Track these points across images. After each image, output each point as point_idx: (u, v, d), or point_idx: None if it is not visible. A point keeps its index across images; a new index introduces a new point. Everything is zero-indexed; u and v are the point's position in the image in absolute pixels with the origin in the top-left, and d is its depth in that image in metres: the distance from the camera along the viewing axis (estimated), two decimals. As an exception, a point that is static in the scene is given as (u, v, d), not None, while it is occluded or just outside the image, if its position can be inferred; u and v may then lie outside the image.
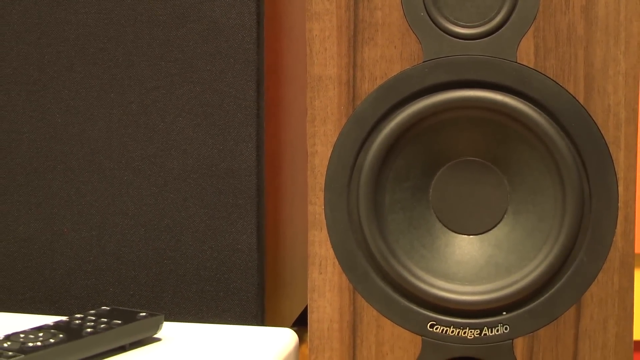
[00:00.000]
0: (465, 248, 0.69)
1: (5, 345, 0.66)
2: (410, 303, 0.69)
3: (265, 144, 0.84)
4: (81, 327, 0.71)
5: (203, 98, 0.83)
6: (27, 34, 0.85)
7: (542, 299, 0.68)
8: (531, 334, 0.68)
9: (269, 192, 0.85)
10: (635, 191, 0.67)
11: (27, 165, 0.86)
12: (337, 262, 0.69)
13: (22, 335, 0.68)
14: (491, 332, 0.68)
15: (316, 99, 0.69)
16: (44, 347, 0.66)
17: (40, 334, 0.68)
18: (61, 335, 0.68)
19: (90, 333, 0.69)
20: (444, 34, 0.67)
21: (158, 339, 0.75)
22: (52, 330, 0.69)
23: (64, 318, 0.74)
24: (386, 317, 0.69)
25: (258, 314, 0.84)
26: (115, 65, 0.84)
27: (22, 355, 0.64)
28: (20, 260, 0.87)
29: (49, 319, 0.79)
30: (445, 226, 0.70)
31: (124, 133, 0.84)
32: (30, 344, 0.66)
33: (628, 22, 0.66)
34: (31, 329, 0.70)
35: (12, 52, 0.85)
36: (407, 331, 0.69)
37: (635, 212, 0.68)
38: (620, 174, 0.67)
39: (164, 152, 0.84)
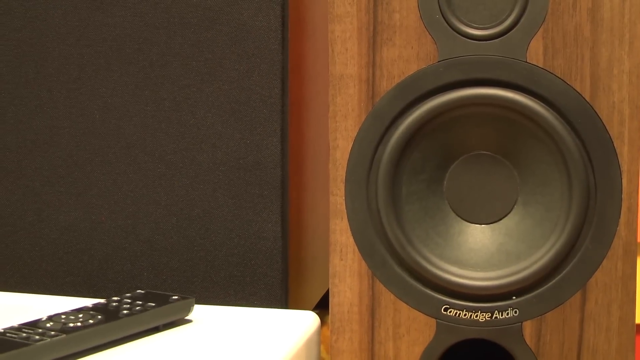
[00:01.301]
0: (478, 236, 0.69)
1: (48, 325, 0.66)
2: (426, 288, 0.68)
3: (289, 138, 0.84)
4: (118, 309, 0.71)
5: (231, 95, 0.83)
6: (68, 35, 0.85)
7: (549, 284, 0.67)
8: (539, 317, 0.68)
9: (292, 183, 0.85)
10: (638, 183, 0.67)
11: (67, 158, 0.86)
12: (357, 250, 0.69)
13: (63, 316, 0.68)
14: (501, 315, 0.68)
15: (338, 96, 0.69)
16: (84, 327, 0.66)
17: (80, 315, 0.68)
18: (99, 317, 0.68)
19: (126, 315, 0.69)
20: (458, 35, 0.67)
21: (189, 321, 0.75)
22: (91, 312, 0.70)
23: (102, 300, 0.74)
24: (403, 301, 0.69)
25: (282, 297, 0.84)
26: (150, 64, 0.84)
27: (64, 335, 0.64)
28: (61, 246, 0.87)
29: (88, 302, 0.79)
30: (459, 216, 0.70)
31: (158, 128, 0.85)
32: (71, 325, 0.66)
33: (632, 23, 0.66)
34: (72, 310, 0.70)
35: (54, 53, 0.85)
36: (423, 314, 0.69)
37: (638, 203, 0.67)
38: (624, 167, 0.67)
39: (195, 146, 0.84)
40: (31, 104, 0.86)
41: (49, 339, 0.63)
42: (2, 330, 0.65)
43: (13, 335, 0.63)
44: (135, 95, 0.85)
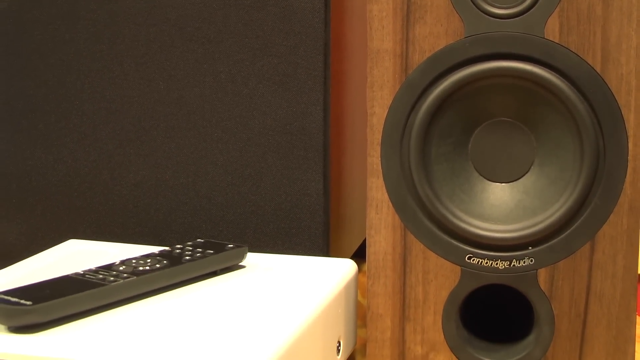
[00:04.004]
0: (498, 194, 0.68)
1: (121, 268, 0.66)
2: (452, 239, 0.68)
3: (330, 106, 0.83)
4: (181, 255, 0.71)
5: (279, 68, 0.82)
6: (137, 16, 0.85)
7: (562, 236, 0.67)
8: (552, 265, 0.67)
9: (333, 146, 0.85)
10: (642, 147, 0.66)
11: (136, 124, 0.86)
12: (391, 205, 0.69)
13: (134, 261, 0.68)
14: (519, 263, 0.67)
15: (374, 68, 0.68)
16: (152, 270, 0.66)
17: (149, 260, 0.69)
18: (165, 262, 0.69)
19: (188, 260, 0.70)
20: (483, 14, 0.66)
21: (243, 266, 0.75)
22: (158, 258, 0.70)
23: (167, 248, 0.74)
24: (431, 250, 0.68)
25: (324, 247, 0.84)
26: (208, 41, 0.84)
27: (135, 277, 0.64)
28: (131, 201, 0.87)
29: (155, 249, 0.80)
30: (482, 175, 0.69)
31: (215, 97, 0.84)
32: (141, 268, 0.67)
33: None
34: (141, 256, 0.70)
35: (125, 31, 0.85)
36: (449, 262, 0.68)
37: (642, 164, 0.66)
38: (630, 132, 0.65)
39: (248, 113, 0.84)
40: (105, 76, 0.86)
41: (121, 280, 0.63)
42: (82, 272, 0.65)
43: (91, 277, 0.64)
44: (195, 68, 0.84)
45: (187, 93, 0.85)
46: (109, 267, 0.67)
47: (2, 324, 0.58)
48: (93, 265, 0.73)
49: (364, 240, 1.04)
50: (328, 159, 0.83)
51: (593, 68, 0.65)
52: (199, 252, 0.72)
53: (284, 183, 0.84)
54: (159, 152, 0.86)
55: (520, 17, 0.65)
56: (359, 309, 0.91)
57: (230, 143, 0.84)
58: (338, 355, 0.71)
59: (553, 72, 0.65)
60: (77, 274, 0.65)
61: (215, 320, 0.61)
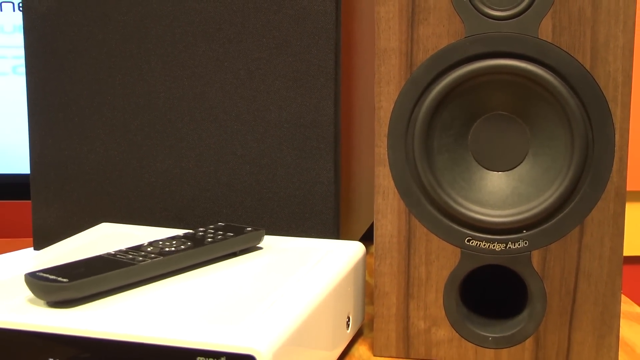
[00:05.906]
0: (495, 181, 0.68)
1: (148, 249, 0.67)
2: (452, 223, 0.68)
3: (341, 101, 0.83)
4: (203, 237, 0.71)
5: (294, 66, 0.82)
6: (163, 18, 0.85)
7: (554, 220, 0.66)
8: (545, 247, 0.67)
9: (343, 138, 0.85)
10: (628, 138, 0.66)
11: (162, 117, 0.86)
12: (396, 191, 0.68)
13: (160, 243, 0.68)
14: (514, 245, 0.67)
15: (382, 65, 0.68)
16: (177, 251, 0.66)
17: (174, 242, 0.69)
18: (189, 243, 0.69)
19: (210, 242, 0.70)
20: (482, 16, 0.65)
21: (260, 248, 0.75)
22: (182, 239, 0.70)
23: (191, 231, 0.74)
24: (433, 234, 0.68)
25: (334, 230, 0.84)
26: (228, 41, 0.84)
27: (162, 257, 0.65)
28: (157, 188, 0.87)
29: (179, 232, 0.80)
30: (480, 164, 0.69)
31: (235, 93, 0.84)
32: (167, 249, 0.67)
33: (626, 6, 0.64)
34: (167, 238, 0.70)
35: (152, 32, 0.85)
36: (449, 244, 0.68)
37: (627, 155, 0.66)
38: (617, 125, 0.65)
39: (265, 107, 0.84)
40: (134, 73, 0.86)
41: (149, 260, 0.64)
42: (113, 253, 0.65)
43: (121, 257, 0.64)
44: (216, 66, 0.84)
45: (209, 89, 0.85)
46: (137, 248, 0.67)
47: (41, 299, 0.59)
48: (123, 246, 0.74)
49: (372, 224, 1.04)
50: (338, 149, 0.83)
51: (583, 66, 0.65)
52: (220, 235, 0.72)
53: (297, 172, 0.84)
54: (184, 143, 0.86)
55: (516, 18, 0.65)
56: (367, 287, 0.91)
57: (248, 135, 0.85)
58: (347, 329, 0.71)
59: (546, 70, 0.65)
60: (108, 254, 0.65)
61: (234, 297, 0.61)
